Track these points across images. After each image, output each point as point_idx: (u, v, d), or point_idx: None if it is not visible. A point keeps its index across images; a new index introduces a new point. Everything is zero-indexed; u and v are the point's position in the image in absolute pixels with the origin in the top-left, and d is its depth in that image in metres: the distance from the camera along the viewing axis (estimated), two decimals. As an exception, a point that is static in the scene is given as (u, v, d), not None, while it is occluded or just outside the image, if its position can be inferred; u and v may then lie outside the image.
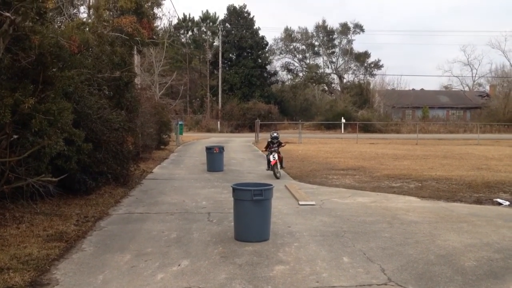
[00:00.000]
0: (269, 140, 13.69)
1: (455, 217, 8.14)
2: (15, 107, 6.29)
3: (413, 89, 63.47)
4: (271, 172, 13.47)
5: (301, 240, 6.60)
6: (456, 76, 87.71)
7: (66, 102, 7.45)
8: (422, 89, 64.90)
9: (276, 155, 13.18)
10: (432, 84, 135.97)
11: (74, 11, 14.48)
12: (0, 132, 6.65)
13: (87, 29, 11.06)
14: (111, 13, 14.73)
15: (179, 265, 5.47)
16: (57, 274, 5.16)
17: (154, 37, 17.49)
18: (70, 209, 8.28)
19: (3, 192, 7.28)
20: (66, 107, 7.14)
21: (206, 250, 6.10)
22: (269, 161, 13.45)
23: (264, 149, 14.19)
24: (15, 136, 6.90)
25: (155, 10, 18.42)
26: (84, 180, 9.15)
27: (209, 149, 15.22)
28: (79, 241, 6.49)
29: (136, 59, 19.67)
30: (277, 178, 12.85)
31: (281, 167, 13.66)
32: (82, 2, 16.30)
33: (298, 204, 9.28)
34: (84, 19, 14.12)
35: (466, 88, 69.81)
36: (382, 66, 63.35)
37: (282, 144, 13.86)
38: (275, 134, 13.92)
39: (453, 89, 69.70)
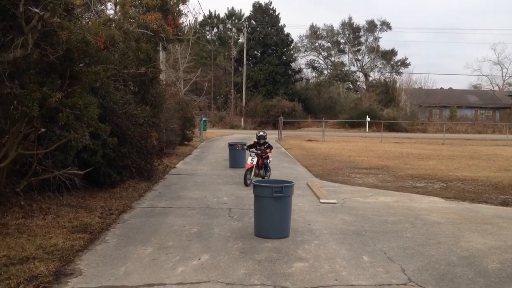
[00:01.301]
0: (255, 140, 11.53)
1: (480, 219, 7.97)
2: (42, 101, 6.46)
3: (441, 88, 62.29)
4: (293, 170, 13.22)
5: (321, 238, 6.58)
6: (485, 75, 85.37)
7: (92, 97, 7.61)
8: (450, 88, 63.61)
9: (255, 159, 10.99)
10: (460, 83, 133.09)
11: (102, 7, 14.73)
12: (28, 125, 6.84)
13: (113, 25, 11.23)
14: (136, 10, 14.96)
15: (199, 259, 5.53)
16: (80, 264, 5.29)
17: (179, 33, 17.62)
18: (95, 201, 8.47)
19: (31, 183, 7.50)
20: (92, 102, 7.29)
21: (226, 245, 6.15)
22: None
23: (246, 147, 11.99)
24: (43, 130, 7.09)
25: (180, 7, 18.53)
26: (109, 173, 9.33)
27: (231, 146, 15.31)
28: (103, 233, 6.64)
29: (161, 55, 19.88)
30: (246, 185, 10.72)
31: (265, 174, 11.25)
32: (109, -1, 16.55)
33: (319, 202, 9.24)
34: (111, 16, 14.35)
35: (496, 88, 68.14)
36: (409, 64, 62.35)
37: (268, 150, 11.34)
38: (261, 133, 11.66)
39: (482, 89, 68.07)
